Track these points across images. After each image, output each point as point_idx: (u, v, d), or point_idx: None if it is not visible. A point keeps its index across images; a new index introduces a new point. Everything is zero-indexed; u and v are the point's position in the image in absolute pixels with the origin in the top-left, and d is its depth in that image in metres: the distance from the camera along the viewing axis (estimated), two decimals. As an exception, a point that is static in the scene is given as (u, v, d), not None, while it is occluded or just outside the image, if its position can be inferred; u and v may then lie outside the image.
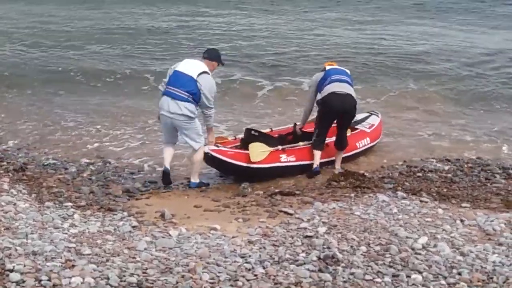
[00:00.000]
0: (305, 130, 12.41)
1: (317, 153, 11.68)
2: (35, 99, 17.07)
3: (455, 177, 11.13)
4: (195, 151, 10.92)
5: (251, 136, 11.64)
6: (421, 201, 9.66)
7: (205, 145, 11.05)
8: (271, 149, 11.44)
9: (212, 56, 11.10)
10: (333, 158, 12.03)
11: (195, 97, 10.58)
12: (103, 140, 13.63)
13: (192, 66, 10.74)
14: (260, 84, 18.28)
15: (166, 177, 10.95)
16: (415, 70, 19.52)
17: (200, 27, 25.77)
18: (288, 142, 12.06)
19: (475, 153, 12.81)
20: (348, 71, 12.17)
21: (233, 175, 11.58)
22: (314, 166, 11.60)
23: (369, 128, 12.84)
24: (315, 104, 12.03)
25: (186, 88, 10.55)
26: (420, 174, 11.30)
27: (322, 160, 11.75)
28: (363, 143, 12.48)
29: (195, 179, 11.09)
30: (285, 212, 9.25)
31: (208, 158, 11.16)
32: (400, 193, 9.98)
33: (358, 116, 12.87)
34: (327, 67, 12.03)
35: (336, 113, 11.66)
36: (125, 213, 9.13)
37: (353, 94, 11.72)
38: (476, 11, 28.55)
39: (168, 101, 10.65)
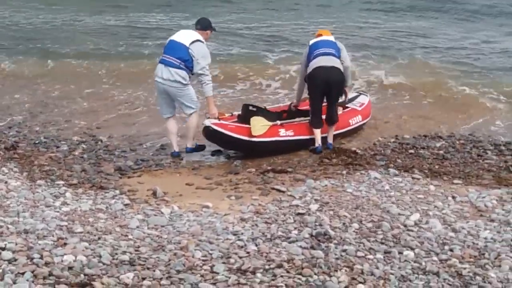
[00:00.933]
0: (300, 108, 12.41)
1: (317, 132, 11.63)
2: (27, 78, 17.01)
3: (447, 154, 11.15)
4: (189, 115, 11.18)
5: (249, 112, 11.65)
6: (413, 178, 9.69)
7: (207, 118, 11.16)
8: (271, 123, 11.45)
9: (204, 25, 11.36)
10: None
11: (188, 63, 10.89)
12: (95, 119, 13.58)
13: (185, 35, 11.13)
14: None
15: (176, 157, 11.30)
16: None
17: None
18: (283, 119, 12.01)
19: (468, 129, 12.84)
20: (335, 41, 11.94)
21: (233, 149, 11.57)
22: (316, 145, 11.55)
23: (360, 106, 12.83)
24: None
25: (179, 55, 10.91)
26: (412, 151, 11.31)
27: (323, 135, 11.72)
28: (356, 120, 12.48)
29: (190, 144, 11.38)
30: (277, 190, 9.27)
31: (209, 132, 11.15)
32: (392, 170, 10.01)
33: (348, 96, 12.79)
34: (312, 41, 11.95)
35: (324, 87, 11.54)
36: (117, 191, 9.12)
37: (339, 66, 11.55)
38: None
39: (162, 68, 11.03)
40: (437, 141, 11.91)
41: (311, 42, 11.93)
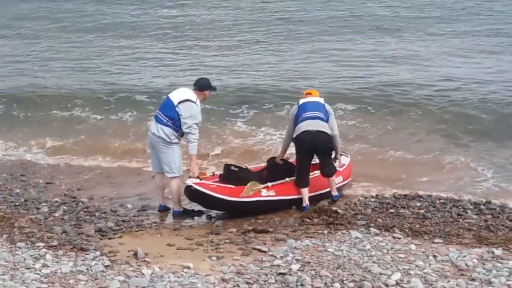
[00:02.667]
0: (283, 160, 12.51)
1: (304, 191, 11.71)
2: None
3: (427, 213, 11.15)
4: (170, 179, 11.35)
5: (231, 172, 11.70)
6: (394, 237, 9.71)
7: (188, 177, 11.17)
8: (263, 186, 11.53)
9: (200, 86, 11.53)
10: (320, 191, 12.08)
11: (175, 122, 11.12)
12: (75, 178, 13.54)
13: (179, 93, 11.43)
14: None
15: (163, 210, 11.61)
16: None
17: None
18: (264, 178, 12.05)
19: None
20: (323, 103, 12.04)
21: (215, 209, 11.56)
22: (304, 204, 11.62)
23: (341, 167, 12.87)
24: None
25: (166, 112, 11.23)
26: (392, 210, 11.32)
27: (311, 194, 11.78)
28: (336, 181, 12.42)
29: (177, 208, 11.49)
30: (259, 250, 9.26)
31: (190, 191, 11.14)
32: (373, 230, 10.03)
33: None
34: (301, 101, 12.05)
35: (310, 150, 11.69)
36: (98, 253, 9.07)
37: (326, 130, 11.67)
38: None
39: (153, 123, 11.44)
40: (417, 200, 11.93)
41: (301, 102, 12.03)
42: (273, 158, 12.40)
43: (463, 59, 21.56)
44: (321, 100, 12.14)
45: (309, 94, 12.33)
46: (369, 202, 11.92)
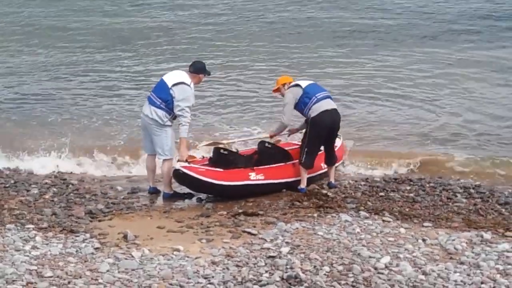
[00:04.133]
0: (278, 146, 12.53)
1: (305, 174, 11.80)
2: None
3: (417, 197, 11.19)
4: (162, 162, 11.34)
5: (220, 155, 11.70)
6: (383, 220, 9.74)
7: (177, 161, 11.19)
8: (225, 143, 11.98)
9: (196, 69, 11.50)
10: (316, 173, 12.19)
11: (168, 104, 11.08)
12: (66, 161, 13.48)
13: (173, 76, 11.39)
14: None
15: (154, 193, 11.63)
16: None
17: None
18: (255, 161, 12.05)
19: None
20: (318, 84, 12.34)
21: (204, 192, 11.55)
22: (303, 186, 11.72)
23: None
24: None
25: (160, 95, 11.18)
26: (382, 194, 11.35)
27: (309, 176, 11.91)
28: (325, 165, 12.43)
29: (167, 190, 11.48)
30: (249, 233, 9.27)
31: (179, 175, 11.16)
32: (362, 213, 10.05)
33: None
34: (299, 83, 12.08)
35: (329, 130, 11.77)
36: (88, 235, 9.07)
37: (337, 108, 11.96)
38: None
39: (146, 105, 11.37)
40: (407, 184, 11.96)
41: (303, 84, 12.01)
42: (263, 142, 12.35)
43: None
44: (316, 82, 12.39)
45: (289, 79, 12.48)
46: (359, 186, 11.94)
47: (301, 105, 11.80)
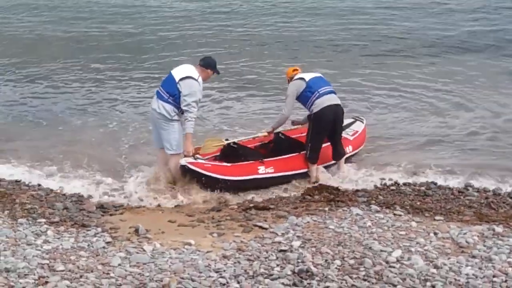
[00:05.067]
0: (288, 136, 12.62)
1: (314, 168, 11.94)
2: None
3: (428, 190, 11.17)
4: (170, 156, 11.36)
5: (230, 148, 11.81)
6: (394, 214, 9.71)
7: (183, 156, 11.24)
8: (225, 142, 11.92)
9: (206, 64, 11.52)
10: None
11: (176, 99, 11.09)
12: (77, 156, 13.48)
13: (181, 70, 11.35)
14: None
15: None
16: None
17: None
18: (270, 149, 12.16)
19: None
20: (323, 77, 12.37)
21: (211, 187, 11.47)
22: (313, 180, 11.86)
23: (352, 135, 13.02)
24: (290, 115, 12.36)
25: (168, 89, 11.22)
26: (393, 188, 11.34)
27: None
28: (346, 151, 12.54)
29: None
30: (260, 227, 9.25)
31: (185, 171, 11.20)
32: (374, 207, 10.03)
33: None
34: (303, 76, 12.13)
35: (332, 125, 11.88)
36: (99, 229, 9.07)
37: (340, 103, 12.02)
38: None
39: (155, 99, 11.42)
40: (419, 178, 11.94)
41: (306, 77, 12.07)
42: (278, 133, 12.52)
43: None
44: (321, 75, 12.43)
45: (296, 70, 12.54)
46: (371, 179, 11.94)
47: (303, 99, 11.91)
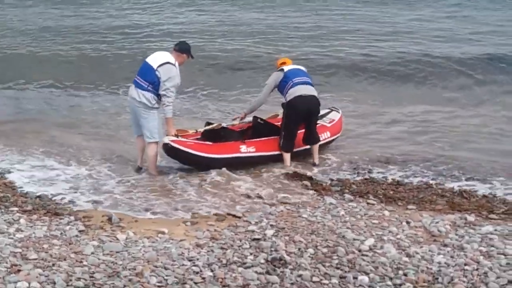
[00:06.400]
0: (269, 122, 12.71)
1: (287, 156, 12.06)
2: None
3: (401, 179, 11.23)
4: (147, 144, 11.39)
5: (212, 130, 12.05)
6: (368, 203, 9.77)
7: (165, 135, 11.39)
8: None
9: (181, 48, 11.54)
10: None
11: (155, 86, 11.12)
12: (51, 143, 13.40)
13: (157, 57, 11.34)
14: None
15: (139, 171, 11.67)
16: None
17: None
18: (249, 135, 12.28)
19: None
20: (305, 70, 12.49)
21: (193, 165, 11.66)
22: (286, 165, 11.99)
23: (329, 123, 13.18)
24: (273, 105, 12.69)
25: (146, 77, 11.21)
26: (367, 177, 11.38)
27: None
28: (323, 137, 12.71)
29: (153, 172, 11.52)
30: (233, 215, 9.27)
31: (167, 149, 11.36)
32: (347, 196, 10.09)
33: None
34: (284, 67, 12.32)
35: (303, 115, 11.98)
36: (72, 217, 9.04)
37: (316, 94, 12.07)
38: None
39: (132, 88, 11.39)
40: (392, 167, 11.99)
41: (286, 68, 12.25)
42: (256, 117, 12.55)
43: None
44: (304, 68, 12.54)
45: (284, 63, 12.63)
46: (344, 168, 11.97)
47: (280, 88, 12.20)
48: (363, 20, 27.53)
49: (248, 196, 10.27)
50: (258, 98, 12.72)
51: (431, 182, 11.13)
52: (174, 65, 11.19)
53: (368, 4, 30.97)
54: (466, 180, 11.32)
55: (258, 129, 12.43)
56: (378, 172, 11.63)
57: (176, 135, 11.41)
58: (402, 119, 15.61)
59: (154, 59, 11.27)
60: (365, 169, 11.91)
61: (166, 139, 11.25)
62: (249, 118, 12.79)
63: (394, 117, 15.71)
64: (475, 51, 21.78)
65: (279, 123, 12.36)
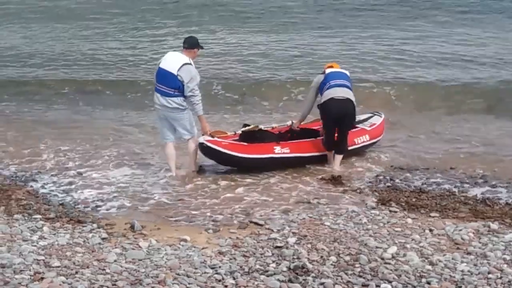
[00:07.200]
0: (303, 127, 12.89)
1: (330, 154, 12.27)
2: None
3: (423, 186, 11.18)
4: (187, 141, 11.67)
5: (249, 132, 12.31)
6: (390, 211, 9.73)
7: (201, 135, 11.66)
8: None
9: (190, 44, 11.63)
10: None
11: (181, 90, 11.29)
12: (73, 152, 13.42)
13: (172, 61, 11.39)
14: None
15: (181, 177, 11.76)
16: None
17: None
18: (288, 139, 12.51)
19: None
20: (348, 74, 12.50)
21: (229, 165, 11.99)
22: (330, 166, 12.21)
23: (370, 126, 13.29)
24: (315, 106, 12.44)
25: (170, 84, 11.30)
26: (389, 184, 11.33)
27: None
28: (362, 140, 12.88)
29: (193, 168, 11.85)
30: (255, 223, 9.27)
31: (203, 149, 11.64)
32: (369, 203, 10.05)
33: (361, 117, 13.52)
34: (327, 70, 12.41)
35: (335, 118, 12.04)
36: (95, 225, 9.08)
37: (352, 98, 12.06)
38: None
39: (159, 96, 11.48)
40: (414, 174, 11.94)
41: (327, 71, 12.36)
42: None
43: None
44: (347, 72, 12.57)
45: (331, 66, 12.71)
46: (366, 176, 11.94)
47: (320, 90, 12.27)
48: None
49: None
50: (305, 103, 12.99)
51: (454, 189, 11.06)
52: (191, 64, 11.34)
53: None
54: (490, 187, 11.23)
55: (297, 132, 12.70)
56: (401, 180, 11.55)
57: (212, 136, 11.67)
58: (425, 126, 15.49)
59: (170, 64, 11.33)
60: (387, 176, 11.85)
61: (201, 139, 11.56)
62: (289, 122, 13.11)
63: (417, 125, 15.61)
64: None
65: (319, 127, 12.64)
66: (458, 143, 14.00)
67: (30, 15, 29.21)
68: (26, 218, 9.28)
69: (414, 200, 10.41)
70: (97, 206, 10.27)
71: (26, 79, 20.38)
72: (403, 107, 17.26)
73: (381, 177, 11.77)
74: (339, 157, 12.23)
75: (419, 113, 16.72)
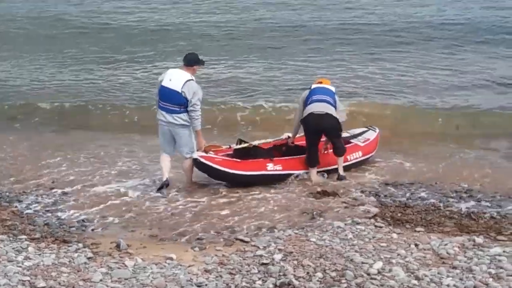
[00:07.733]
0: (299, 143, 12.97)
1: (312, 170, 12.35)
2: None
3: (409, 202, 11.20)
4: (184, 159, 11.84)
5: (243, 150, 12.45)
6: (376, 226, 9.75)
7: (196, 150, 11.77)
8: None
9: (190, 61, 11.76)
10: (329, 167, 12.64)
11: (185, 106, 11.48)
12: (58, 172, 13.40)
13: (175, 79, 11.54)
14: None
15: (163, 187, 11.84)
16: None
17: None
18: (282, 152, 12.77)
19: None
20: (333, 89, 12.62)
21: (222, 180, 12.08)
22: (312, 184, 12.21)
23: (364, 142, 13.36)
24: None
25: (175, 102, 11.51)
26: (374, 199, 11.36)
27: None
28: (354, 156, 12.98)
29: (189, 185, 12.01)
30: (241, 240, 9.28)
31: (197, 164, 11.74)
32: (355, 219, 10.06)
33: (356, 131, 13.76)
34: (313, 86, 12.62)
35: (315, 132, 12.27)
36: (80, 245, 9.06)
37: (332, 113, 12.16)
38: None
39: (164, 114, 11.68)
40: (399, 189, 11.97)
41: (313, 86, 12.59)
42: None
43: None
44: (332, 88, 12.70)
45: (320, 82, 12.86)
46: (351, 191, 11.95)
47: (304, 106, 12.40)
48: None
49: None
50: (294, 119, 13.12)
51: (439, 204, 11.09)
52: (192, 79, 11.51)
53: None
54: (474, 201, 11.26)
55: (291, 148, 12.90)
56: (386, 195, 11.58)
57: (206, 151, 11.80)
58: (409, 142, 15.55)
59: (173, 82, 11.48)
60: (372, 191, 11.87)
61: (195, 155, 11.67)
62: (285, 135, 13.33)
63: (400, 140, 15.67)
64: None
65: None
66: (442, 159, 14.02)
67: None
68: (11, 238, 9.24)
69: (399, 215, 10.43)
70: (82, 226, 10.26)
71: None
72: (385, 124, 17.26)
73: (366, 193, 11.78)
74: (340, 160, 12.46)
75: (401, 130, 16.70)
